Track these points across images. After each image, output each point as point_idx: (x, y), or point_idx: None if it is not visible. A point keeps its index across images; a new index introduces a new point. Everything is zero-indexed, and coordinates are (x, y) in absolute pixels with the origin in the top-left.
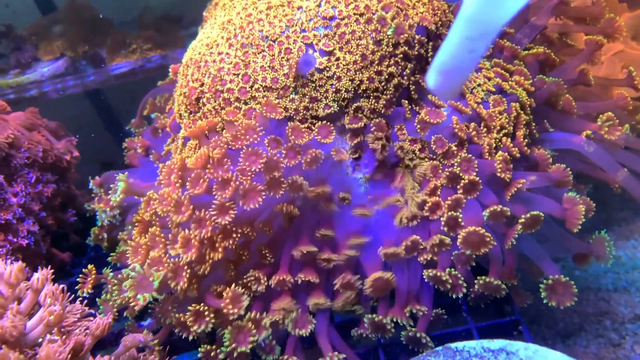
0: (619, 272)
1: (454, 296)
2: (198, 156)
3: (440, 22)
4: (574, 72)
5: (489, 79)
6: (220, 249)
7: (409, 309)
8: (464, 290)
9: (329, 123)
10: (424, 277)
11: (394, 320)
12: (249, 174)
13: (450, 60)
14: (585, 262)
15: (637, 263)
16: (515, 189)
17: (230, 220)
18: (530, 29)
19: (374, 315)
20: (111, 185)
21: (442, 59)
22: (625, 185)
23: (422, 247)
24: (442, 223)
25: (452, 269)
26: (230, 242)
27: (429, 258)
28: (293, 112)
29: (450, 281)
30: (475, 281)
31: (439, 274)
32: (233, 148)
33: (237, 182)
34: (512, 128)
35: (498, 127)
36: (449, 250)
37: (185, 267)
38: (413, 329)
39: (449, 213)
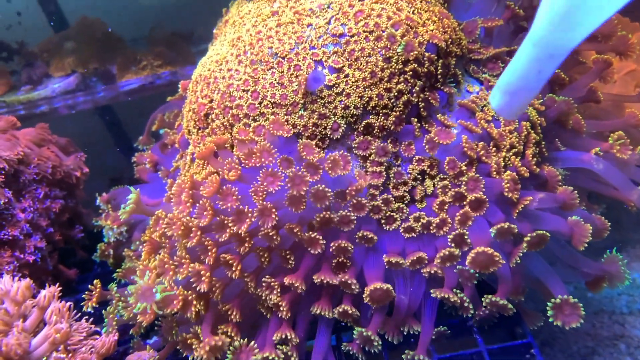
0: (633, 295)
1: (464, 315)
2: (210, 183)
3: (450, 40)
4: (584, 90)
5: None
6: (236, 269)
7: (406, 327)
8: (471, 311)
9: (345, 153)
10: (432, 296)
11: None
12: (262, 194)
13: (517, 81)
14: (599, 288)
15: None
16: (522, 207)
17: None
18: None
19: (364, 330)
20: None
21: (508, 80)
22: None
23: (426, 262)
24: (449, 239)
25: (459, 292)
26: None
27: (432, 271)
28: (302, 129)
29: (459, 302)
30: (483, 299)
31: (447, 295)
32: (247, 166)
33: (252, 214)
34: (522, 147)
35: (508, 146)
36: (455, 266)
37: (195, 302)
38: (411, 352)
39: (457, 230)
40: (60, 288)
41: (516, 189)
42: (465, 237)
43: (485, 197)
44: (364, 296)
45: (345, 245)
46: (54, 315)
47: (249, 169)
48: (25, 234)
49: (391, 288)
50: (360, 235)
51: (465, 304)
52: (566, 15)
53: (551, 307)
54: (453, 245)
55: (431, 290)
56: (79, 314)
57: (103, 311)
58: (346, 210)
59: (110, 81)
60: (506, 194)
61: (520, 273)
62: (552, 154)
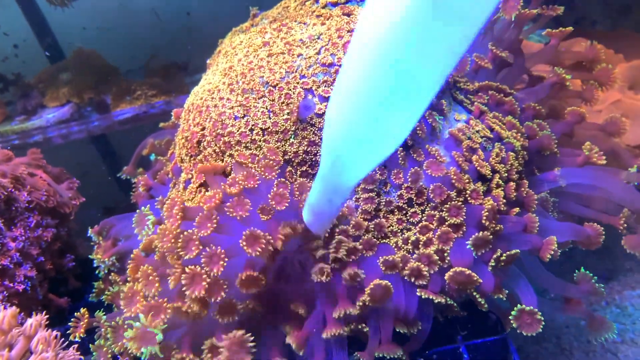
0: (625, 324)
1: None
2: (211, 196)
3: None
4: (559, 133)
5: (491, 128)
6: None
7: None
8: (457, 311)
9: None
10: (417, 294)
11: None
12: (269, 213)
13: (316, 205)
14: (578, 309)
15: None
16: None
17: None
18: (527, 95)
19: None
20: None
21: (311, 202)
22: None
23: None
24: (432, 252)
25: (448, 299)
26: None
27: (414, 266)
28: (292, 155)
29: (444, 303)
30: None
31: (431, 296)
32: (247, 187)
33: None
34: (506, 174)
35: (490, 174)
36: (437, 273)
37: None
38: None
39: (438, 246)
40: (47, 316)
41: (495, 219)
42: (445, 254)
43: (463, 222)
44: (363, 299)
45: (354, 245)
46: (40, 344)
47: (247, 191)
48: (15, 263)
49: (390, 285)
50: (365, 238)
51: (456, 309)
52: (335, 162)
53: (517, 310)
54: (437, 257)
55: (417, 290)
56: (67, 342)
57: (91, 345)
58: (345, 225)
59: (105, 111)
60: (484, 221)
61: (499, 276)
62: (529, 179)
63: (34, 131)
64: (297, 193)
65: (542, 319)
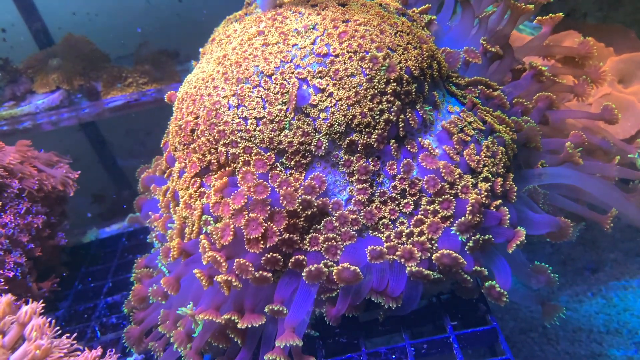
0: (610, 314)
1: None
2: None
3: (427, 64)
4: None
5: (484, 120)
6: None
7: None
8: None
9: (321, 174)
10: (407, 271)
11: None
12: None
13: None
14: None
15: (629, 305)
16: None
17: None
18: (514, 88)
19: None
20: None
21: None
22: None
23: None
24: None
25: (434, 273)
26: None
27: (407, 248)
28: (286, 145)
29: (432, 277)
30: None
31: (420, 269)
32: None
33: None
34: (494, 169)
35: (480, 168)
36: (427, 260)
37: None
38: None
39: (428, 235)
40: (43, 304)
41: (479, 212)
42: (434, 241)
43: (453, 214)
44: (333, 275)
45: (333, 236)
46: (34, 332)
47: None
48: (4, 249)
49: (359, 271)
50: (343, 230)
51: (442, 281)
52: None
53: (489, 284)
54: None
55: (406, 266)
56: (60, 330)
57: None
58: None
59: (95, 98)
60: (467, 215)
61: (477, 258)
62: (517, 172)
63: (23, 117)
64: (282, 192)
65: (507, 300)
